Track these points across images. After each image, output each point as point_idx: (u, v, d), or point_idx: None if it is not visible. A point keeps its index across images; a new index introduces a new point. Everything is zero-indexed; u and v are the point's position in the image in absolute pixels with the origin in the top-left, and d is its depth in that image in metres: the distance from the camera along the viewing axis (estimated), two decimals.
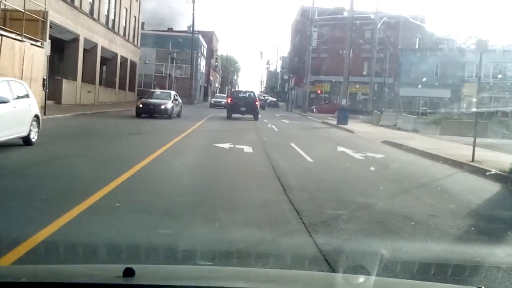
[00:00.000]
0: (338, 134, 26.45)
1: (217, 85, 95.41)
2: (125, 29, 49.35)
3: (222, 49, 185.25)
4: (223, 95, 72.34)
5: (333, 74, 65.46)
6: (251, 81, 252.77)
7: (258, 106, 37.42)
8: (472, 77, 60.28)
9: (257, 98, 39.18)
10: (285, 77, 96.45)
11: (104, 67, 45.49)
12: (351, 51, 56.19)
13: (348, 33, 36.26)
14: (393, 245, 6.04)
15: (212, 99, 64.42)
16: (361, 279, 2.72)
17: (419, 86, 58.76)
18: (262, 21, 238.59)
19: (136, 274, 2.25)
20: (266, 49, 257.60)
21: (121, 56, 48.09)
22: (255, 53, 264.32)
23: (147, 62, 59.04)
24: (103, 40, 41.78)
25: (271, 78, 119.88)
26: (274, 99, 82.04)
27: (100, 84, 42.60)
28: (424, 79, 57.81)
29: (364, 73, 64.01)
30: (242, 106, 36.25)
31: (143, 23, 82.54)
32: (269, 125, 30.71)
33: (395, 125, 33.77)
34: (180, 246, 5.37)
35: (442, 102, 59.47)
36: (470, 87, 59.03)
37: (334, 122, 37.68)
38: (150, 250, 5.20)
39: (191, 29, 66.94)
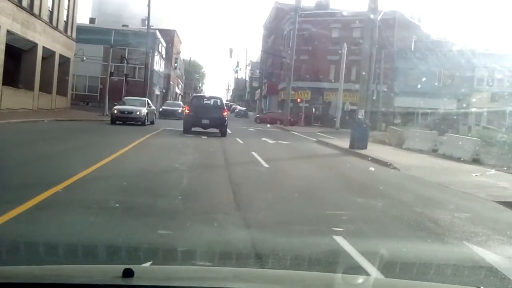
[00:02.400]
0: (379, 175, 14.18)
1: (178, 91, 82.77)
2: (51, 12, 36.27)
3: (186, 53, 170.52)
4: (178, 102, 56.09)
5: (315, 79, 53.51)
6: (217, 89, 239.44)
7: (226, 118, 25.23)
8: (483, 84, 49.36)
9: (225, 107, 26.89)
10: (255, 84, 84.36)
11: (14, 61, 32.35)
12: (345, 51, 44.81)
13: (367, 33, 24.24)
14: None
15: (162, 107, 49.11)
16: (360, 279, 2.68)
17: (418, 95, 47.62)
18: (230, 24, 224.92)
19: (135, 274, 2.20)
20: (235, 52, 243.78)
21: (44, 48, 35.02)
22: (222, 59, 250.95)
23: (84, 59, 45.91)
24: (10, 21, 28.79)
25: (239, 86, 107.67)
26: (243, 109, 69.74)
27: (5, 83, 29.48)
28: (418, 86, 46.75)
29: (352, 78, 52.24)
30: (204, 118, 24.32)
31: (93, 19, 69.77)
32: (244, 147, 18.69)
33: (436, 151, 21.88)
34: None
35: (447, 114, 48.08)
36: (480, 96, 48.11)
37: (336, 141, 25.55)
38: None
39: (146, 22, 54.12)
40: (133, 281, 2.19)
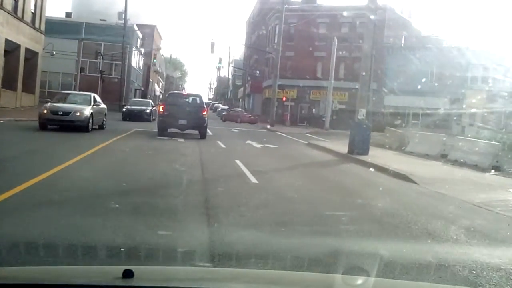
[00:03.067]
0: (400, 194, 11.15)
1: (159, 89, 79.17)
2: (16, 1, 32.80)
3: (167, 50, 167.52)
4: (146, 100, 43.46)
5: (301, 77, 50.52)
6: (200, 87, 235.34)
7: (206, 118, 22.17)
8: (477, 82, 46.78)
9: (205, 106, 23.75)
10: (238, 83, 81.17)
11: None
12: (335, 47, 41.73)
13: (367, 33, 21.64)
14: None
15: (126, 106, 37.05)
16: (361, 280, 2.53)
17: (409, 94, 45.03)
18: (213, 21, 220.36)
19: (135, 275, 2.19)
20: (218, 50, 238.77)
21: (8, 41, 31.57)
22: (204, 57, 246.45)
23: (54, 53, 42.33)
24: None
25: (222, 84, 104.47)
26: (226, 108, 66.54)
27: None
28: (409, 85, 44.24)
29: (341, 76, 49.37)
30: (182, 118, 21.30)
31: (69, 13, 65.87)
32: (227, 153, 15.68)
33: (446, 156, 18.97)
34: None
35: (440, 114, 45.48)
36: (473, 95, 45.57)
37: (329, 144, 22.64)
38: None
39: (123, 16, 50.73)
40: (133, 282, 2.17)
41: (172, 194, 8.33)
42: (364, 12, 33.38)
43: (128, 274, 2.18)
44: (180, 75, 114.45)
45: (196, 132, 21.81)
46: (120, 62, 53.05)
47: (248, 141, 22.17)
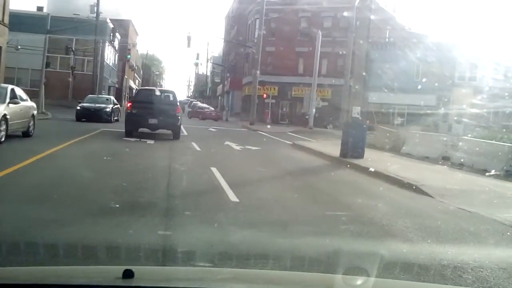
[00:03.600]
0: (419, 213, 8.86)
1: (135, 86, 76.11)
2: None
3: (145, 47, 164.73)
4: (106, 97, 36.11)
5: (283, 73, 48.24)
6: (179, 85, 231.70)
7: (180, 117, 19.73)
8: (465, 79, 44.97)
9: (179, 104, 21.20)
10: (217, 80, 78.55)
11: None
12: (319, 41, 39.33)
13: (363, 31, 19.62)
14: None
15: (80, 104, 29.14)
16: (360, 280, 2.47)
17: (393, 90, 43.00)
18: (191, 17, 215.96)
19: (135, 275, 2.16)
20: (196, 46, 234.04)
21: None
22: (182, 54, 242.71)
23: (19, 47, 39.40)
24: None
25: (201, 81, 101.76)
26: (204, 105, 63.85)
27: None
28: (394, 81, 42.30)
29: (323, 72, 47.06)
30: (152, 117, 18.85)
31: (41, 7, 62.50)
32: (201, 158, 13.39)
33: (448, 158, 16.81)
34: None
35: (425, 112, 43.59)
36: (460, 92, 43.80)
37: (315, 145, 20.42)
38: None
39: (96, 8, 47.85)
40: (133, 282, 2.15)
41: (112, 233, 5.75)
42: (349, 5, 31.36)
43: (128, 274, 2.14)
44: (158, 72, 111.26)
45: (170, 132, 19.42)
46: (93, 58, 50.25)
47: (227, 142, 19.77)
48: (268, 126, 35.13)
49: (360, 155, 15.37)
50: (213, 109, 55.96)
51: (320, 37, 36.17)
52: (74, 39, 51.13)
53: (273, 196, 8.94)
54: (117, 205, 7.06)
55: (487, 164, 14.96)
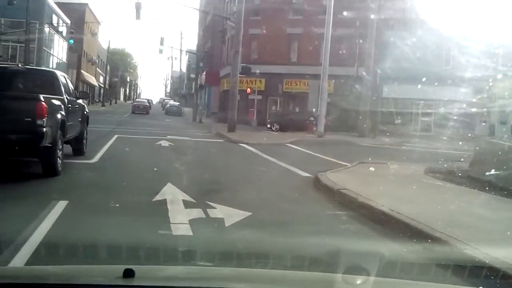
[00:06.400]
0: None
1: (97, 84, 64.02)
2: None
3: (115, 43, 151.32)
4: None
5: (271, 61, 36.45)
6: (156, 85, 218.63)
7: (44, 123, 7.74)
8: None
9: (43, 99, 8.62)
10: (193, 75, 66.80)
11: None
12: (330, 15, 27.32)
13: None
14: None
15: None
16: (361, 279, 2.42)
17: (416, 82, 31.49)
18: (163, 8, 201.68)
19: (136, 274, 2.10)
20: (170, 40, 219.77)
21: None
22: (156, 50, 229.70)
23: None
24: None
25: (177, 78, 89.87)
26: (176, 104, 52.32)
27: None
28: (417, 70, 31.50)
29: (321, 61, 35.29)
30: None
31: None
32: None
33: None
34: None
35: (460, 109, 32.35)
36: (504, 84, 32.57)
37: (366, 189, 8.59)
38: None
39: None
40: (134, 282, 2.09)
41: None
42: None
43: (129, 273, 2.08)
44: (130, 69, 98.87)
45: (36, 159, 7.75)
46: (34, 46, 38.51)
47: (167, 195, 7.99)
48: (254, 133, 23.37)
49: None
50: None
51: (333, 2, 24.53)
52: (1, 20, 38.88)
53: None
54: None
55: None
